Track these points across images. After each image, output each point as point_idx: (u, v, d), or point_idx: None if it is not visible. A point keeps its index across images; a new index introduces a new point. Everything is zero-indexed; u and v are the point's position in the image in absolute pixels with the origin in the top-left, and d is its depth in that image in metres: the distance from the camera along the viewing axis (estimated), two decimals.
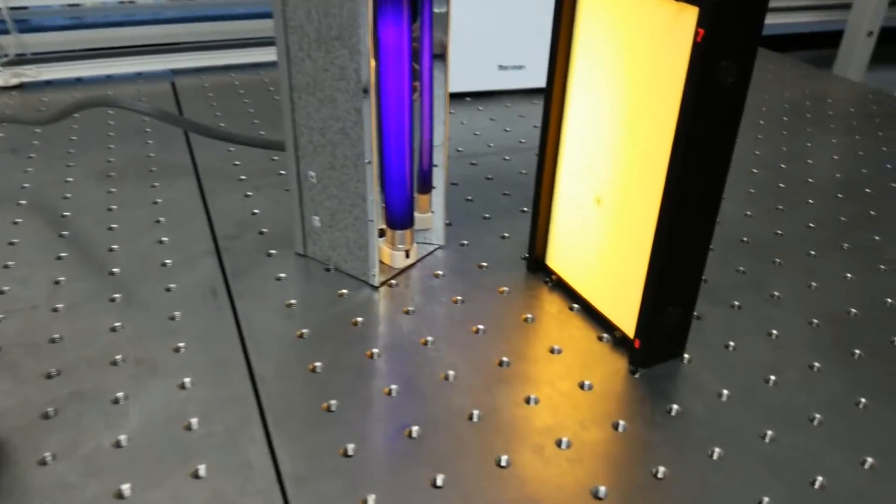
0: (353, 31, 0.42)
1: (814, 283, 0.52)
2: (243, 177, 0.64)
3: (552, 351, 0.44)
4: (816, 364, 0.44)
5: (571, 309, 0.48)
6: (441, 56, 0.49)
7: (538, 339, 0.45)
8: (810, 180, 0.68)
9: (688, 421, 0.39)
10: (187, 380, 0.41)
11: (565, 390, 0.41)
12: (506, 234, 0.57)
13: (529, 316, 0.47)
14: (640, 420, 0.39)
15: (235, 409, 0.39)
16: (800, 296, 0.50)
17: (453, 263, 0.53)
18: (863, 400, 0.41)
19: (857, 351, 0.45)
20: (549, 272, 0.51)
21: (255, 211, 0.59)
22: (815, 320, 0.48)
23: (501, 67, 0.84)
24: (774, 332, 0.46)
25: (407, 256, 0.52)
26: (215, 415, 0.39)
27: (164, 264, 0.52)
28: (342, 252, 0.50)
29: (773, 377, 0.42)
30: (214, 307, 0.47)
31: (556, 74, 0.45)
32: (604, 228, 0.44)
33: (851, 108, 0.86)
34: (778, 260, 0.54)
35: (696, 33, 0.34)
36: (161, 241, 0.54)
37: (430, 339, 0.45)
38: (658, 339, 0.42)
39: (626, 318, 0.44)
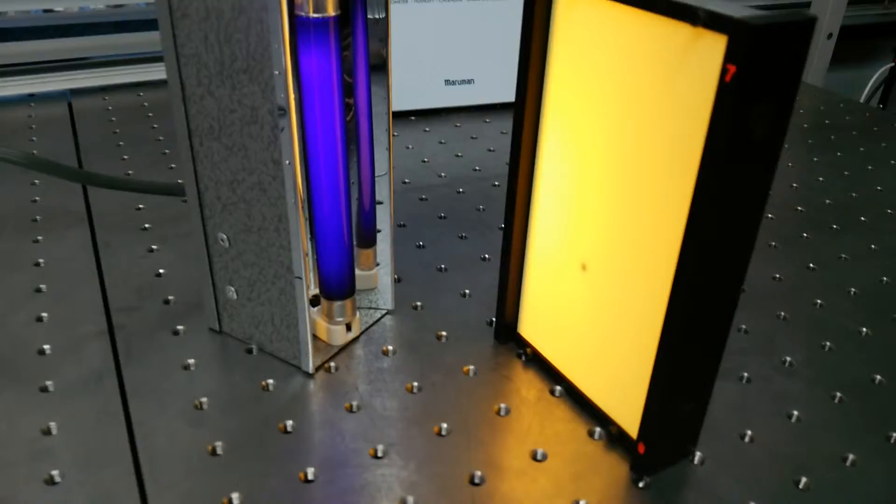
0: (265, 63, 0.32)
1: (828, 343, 0.44)
2: (147, 225, 0.53)
3: (535, 457, 0.35)
4: (851, 455, 0.36)
5: (553, 393, 0.39)
6: (380, 67, 0.39)
7: (517, 441, 0.36)
8: (800, 208, 0.61)
9: None
10: None
11: None
12: (466, 291, 0.48)
13: (503, 406, 0.38)
14: None
15: None
16: (815, 361, 0.43)
17: (406, 334, 0.43)
18: None
19: (895, 434, 0.37)
20: (522, 343, 0.42)
21: (161, 271, 0.48)
22: (839, 394, 0.40)
23: (448, 82, 0.75)
24: (795, 413, 0.39)
25: (348, 330, 0.42)
26: None
27: (42, 352, 0.41)
28: (266, 330, 0.40)
29: (804, 479, 0.35)
30: (102, 414, 0.37)
31: (525, 109, 0.36)
32: (591, 300, 0.36)
33: (826, 120, 0.80)
34: (783, 313, 0.47)
35: (725, 70, 0.25)
36: (40, 319, 0.43)
37: (380, 448, 0.35)
38: (667, 440, 0.34)
39: (624, 411, 0.35)
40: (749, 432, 0.37)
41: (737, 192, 0.28)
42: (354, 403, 0.38)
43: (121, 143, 0.66)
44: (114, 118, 0.72)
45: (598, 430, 0.37)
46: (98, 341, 0.42)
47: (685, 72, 0.28)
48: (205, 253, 0.40)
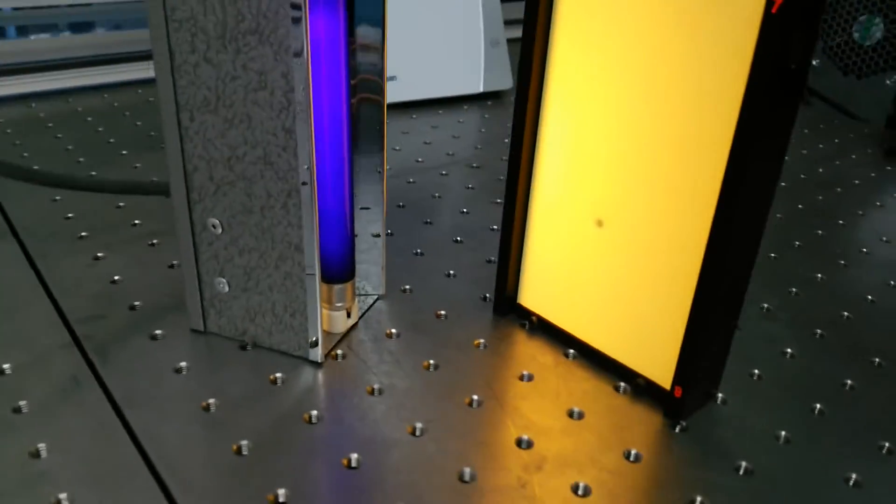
0: (279, 21, 0.30)
1: (793, 289, 0.47)
2: (84, 233, 0.48)
3: (572, 416, 0.35)
4: (849, 382, 0.39)
5: (567, 356, 0.39)
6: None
7: (550, 403, 0.36)
8: None
9: (765, 479, 0.32)
10: None
11: (612, 467, 0.32)
12: (451, 272, 0.47)
13: (525, 373, 0.38)
14: (717, 491, 0.31)
15: None
16: (790, 305, 0.45)
17: (405, 316, 0.42)
18: None
19: (877, 359, 0.41)
20: (524, 313, 0.42)
21: (115, 278, 0.44)
22: (819, 331, 0.43)
23: None
24: (788, 350, 0.41)
25: (348, 316, 0.40)
26: None
27: (2, 371, 0.36)
28: (265, 322, 0.37)
29: (818, 405, 0.37)
30: (96, 427, 0.32)
31: (531, 66, 0.36)
32: (608, 256, 0.36)
33: None
34: None
35: (772, 2, 0.27)
36: None
37: (418, 426, 0.34)
38: (700, 381, 0.35)
39: (650, 362, 0.36)
40: (756, 371, 0.39)
41: (775, 122, 0.29)
42: (375, 387, 0.36)
43: (25, 154, 0.60)
44: (9, 130, 0.65)
45: (621, 385, 0.37)
46: (65, 354, 0.37)
47: (722, 9, 0.29)
48: (190, 245, 0.37)
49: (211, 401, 0.34)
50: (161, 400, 0.34)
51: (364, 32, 0.37)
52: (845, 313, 0.45)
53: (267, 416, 0.34)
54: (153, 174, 0.57)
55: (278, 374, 0.36)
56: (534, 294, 0.41)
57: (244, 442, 0.32)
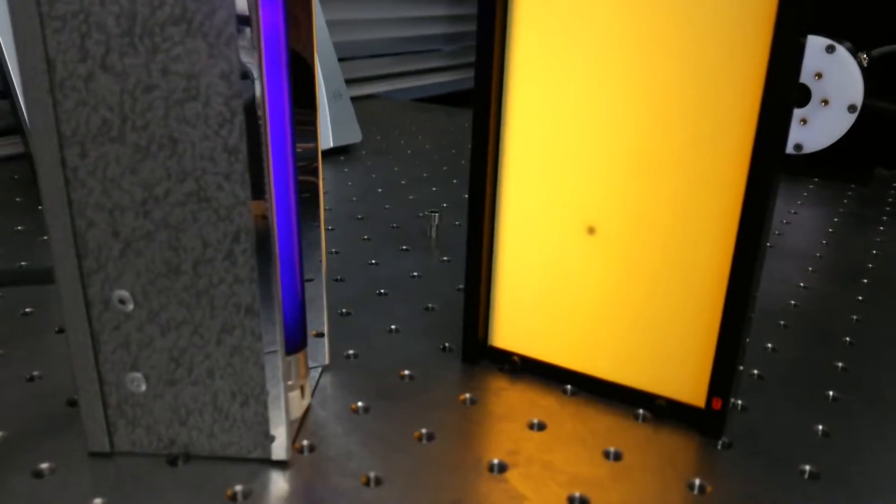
0: (220, 2, 0.23)
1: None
2: None
3: (608, 456, 0.30)
4: (840, 364, 0.37)
5: (566, 393, 0.34)
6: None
7: (580, 449, 0.30)
8: None
9: (835, 480, 0.29)
10: None
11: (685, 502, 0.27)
12: (392, 328, 0.40)
13: (534, 421, 0.32)
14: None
15: None
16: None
17: (365, 385, 0.34)
18: None
19: (847, 338, 0.40)
20: (500, 356, 0.36)
21: None
22: (782, 322, 0.42)
23: None
24: (769, 345, 0.39)
25: (302, 395, 0.31)
26: None
27: None
28: (203, 421, 0.28)
29: (830, 393, 0.35)
30: None
31: (492, 61, 0.32)
32: (604, 267, 0.32)
33: None
34: None
35: None
36: None
37: None
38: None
39: (669, 379, 0.32)
40: (756, 371, 0.36)
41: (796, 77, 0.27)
42: (371, 475, 0.28)
43: None
44: None
45: (640, 412, 0.32)
46: None
47: None
48: (85, 333, 0.27)
49: None
50: None
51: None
52: (792, 301, 0.45)
53: None
54: None
55: (237, 488, 0.27)
56: (511, 331, 0.35)
57: None
